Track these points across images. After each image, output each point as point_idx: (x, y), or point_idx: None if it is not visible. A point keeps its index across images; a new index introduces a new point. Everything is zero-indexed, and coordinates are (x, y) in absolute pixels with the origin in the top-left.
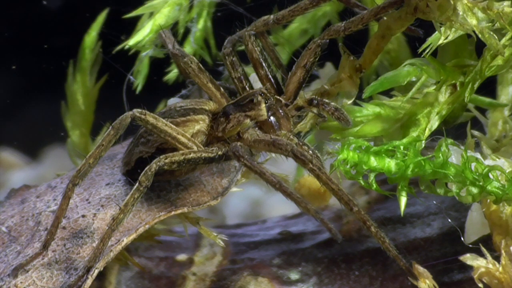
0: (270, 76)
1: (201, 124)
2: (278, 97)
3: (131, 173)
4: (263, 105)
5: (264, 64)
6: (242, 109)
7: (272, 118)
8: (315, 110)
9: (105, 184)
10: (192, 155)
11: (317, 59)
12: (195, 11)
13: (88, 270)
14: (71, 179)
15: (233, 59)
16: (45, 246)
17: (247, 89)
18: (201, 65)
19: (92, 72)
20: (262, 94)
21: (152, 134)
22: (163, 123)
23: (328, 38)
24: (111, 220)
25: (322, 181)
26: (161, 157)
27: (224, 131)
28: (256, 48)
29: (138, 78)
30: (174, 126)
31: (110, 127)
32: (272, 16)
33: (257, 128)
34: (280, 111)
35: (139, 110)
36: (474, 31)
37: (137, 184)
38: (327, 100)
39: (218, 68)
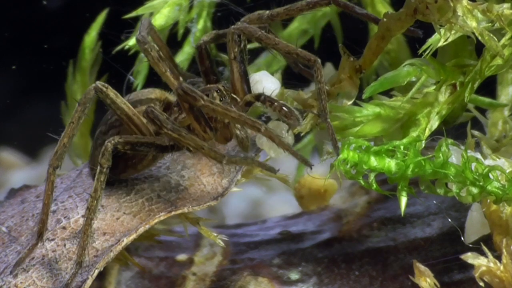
0: (242, 77)
1: None
2: (234, 96)
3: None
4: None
5: (239, 64)
6: None
7: None
8: (267, 105)
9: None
10: (145, 139)
11: (242, 45)
12: (195, 11)
13: (79, 264)
14: (50, 162)
15: (203, 52)
16: (40, 236)
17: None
18: (161, 54)
19: (92, 72)
20: (218, 91)
21: (107, 134)
22: (122, 101)
23: (248, 23)
24: (86, 210)
25: (219, 114)
26: (115, 137)
27: (176, 121)
28: (235, 47)
29: (138, 78)
30: (131, 107)
31: (77, 104)
32: (267, 12)
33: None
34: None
35: (102, 83)
36: (473, 33)
37: (98, 167)
38: (274, 98)
39: (218, 68)
